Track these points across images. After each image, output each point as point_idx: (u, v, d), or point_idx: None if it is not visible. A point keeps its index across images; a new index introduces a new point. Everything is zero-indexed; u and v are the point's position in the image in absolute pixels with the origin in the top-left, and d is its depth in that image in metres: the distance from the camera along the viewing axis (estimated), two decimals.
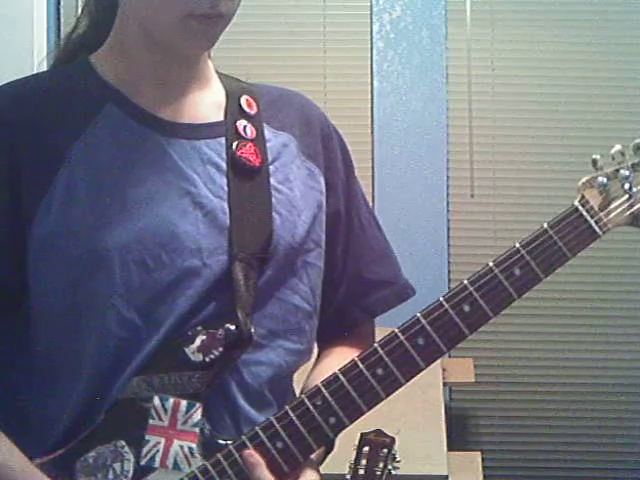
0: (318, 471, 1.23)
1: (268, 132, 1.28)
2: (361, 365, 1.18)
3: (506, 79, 3.29)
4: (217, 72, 1.32)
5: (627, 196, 1.20)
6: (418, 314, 1.18)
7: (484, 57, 3.27)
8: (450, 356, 3.22)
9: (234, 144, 1.24)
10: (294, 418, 1.17)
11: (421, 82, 3.27)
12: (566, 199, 1.24)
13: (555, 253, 1.19)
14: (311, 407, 1.17)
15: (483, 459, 2.67)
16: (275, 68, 3.24)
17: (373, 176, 3.27)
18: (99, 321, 1.16)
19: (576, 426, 3.33)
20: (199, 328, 1.17)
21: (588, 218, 1.19)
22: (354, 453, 2.04)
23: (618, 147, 1.21)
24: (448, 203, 3.29)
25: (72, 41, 1.31)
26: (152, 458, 1.16)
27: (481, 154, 3.26)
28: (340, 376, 1.18)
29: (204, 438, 1.17)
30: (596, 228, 1.19)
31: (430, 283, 3.06)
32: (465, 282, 1.18)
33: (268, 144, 1.27)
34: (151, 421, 1.16)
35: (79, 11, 1.32)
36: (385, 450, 2.04)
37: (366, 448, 2.04)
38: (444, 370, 2.86)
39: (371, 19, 3.27)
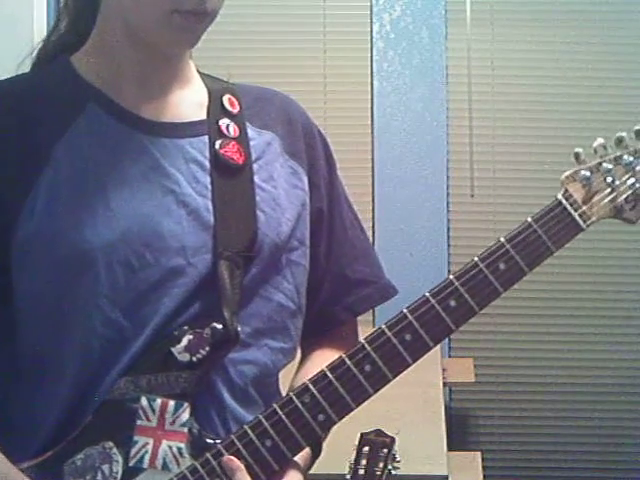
0: (303, 473, 1.22)
1: (251, 131, 1.28)
2: (349, 362, 1.17)
3: (506, 79, 3.29)
4: (198, 71, 1.31)
5: (609, 189, 1.21)
6: (404, 310, 1.18)
7: (484, 57, 3.28)
8: (450, 356, 3.23)
9: (217, 142, 1.24)
10: (283, 416, 1.16)
11: (421, 82, 3.27)
12: None
13: (540, 247, 1.19)
14: (299, 405, 1.17)
15: (483, 459, 2.66)
16: (275, 68, 3.24)
17: (373, 176, 3.27)
18: (84, 322, 1.15)
19: (576, 426, 3.33)
20: (185, 328, 1.16)
21: (572, 211, 1.20)
22: (354, 453, 2.04)
23: (600, 140, 1.22)
24: (448, 203, 3.29)
25: (52, 42, 1.30)
26: (141, 459, 1.15)
27: (481, 154, 3.27)
28: (328, 373, 1.17)
29: (193, 438, 1.16)
30: (580, 221, 1.20)
31: (430, 283, 3.06)
32: (451, 277, 1.19)
33: (251, 142, 1.27)
34: (139, 422, 1.15)
35: None
36: (385, 450, 2.04)
37: (366, 448, 2.04)
38: (444, 370, 2.86)
39: (371, 19, 3.27)
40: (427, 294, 1.19)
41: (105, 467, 1.14)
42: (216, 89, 1.30)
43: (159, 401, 1.15)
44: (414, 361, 1.18)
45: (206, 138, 1.24)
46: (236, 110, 1.29)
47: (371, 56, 3.27)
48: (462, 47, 3.25)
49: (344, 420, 1.20)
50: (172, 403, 1.16)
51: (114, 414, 1.15)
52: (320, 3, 3.28)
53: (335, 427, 1.21)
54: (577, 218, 1.20)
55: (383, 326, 1.18)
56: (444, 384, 2.85)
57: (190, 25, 1.17)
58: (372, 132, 3.27)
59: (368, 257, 1.39)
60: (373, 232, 3.26)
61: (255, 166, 1.26)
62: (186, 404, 1.16)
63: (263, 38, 3.26)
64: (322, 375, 1.18)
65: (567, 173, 1.22)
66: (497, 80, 3.29)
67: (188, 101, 1.26)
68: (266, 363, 1.24)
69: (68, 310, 1.16)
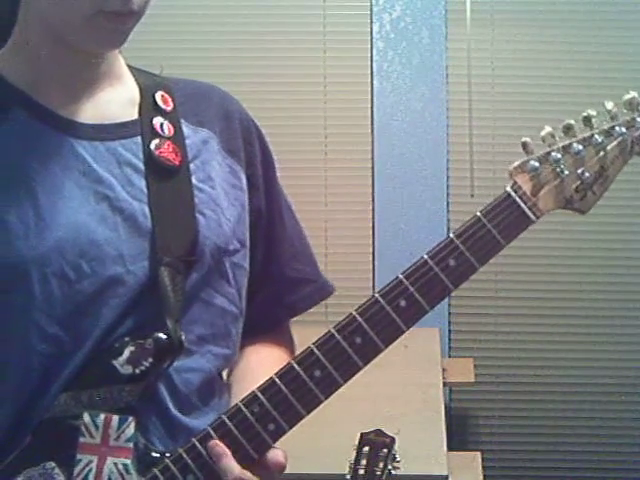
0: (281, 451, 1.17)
1: (186, 129, 1.23)
2: (298, 368, 1.13)
3: (506, 79, 3.29)
4: (130, 67, 1.25)
5: (559, 180, 1.17)
6: (353, 312, 1.14)
7: (484, 57, 3.27)
8: (450, 356, 3.23)
9: (152, 143, 1.18)
10: (232, 427, 1.12)
11: (421, 82, 3.27)
12: None
13: (490, 242, 1.15)
14: (249, 415, 1.12)
15: (483, 459, 2.66)
16: (275, 68, 3.24)
17: (373, 176, 3.27)
18: (20, 338, 1.10)
19: (576, 426, 3.33)
20: (127, 339, 1.12)
21: (521, 204, 1.16)
22: (354, 453, 2.04)
23: (548, 129, 1.18)
24: (448, 203, 3.29)
25: None
26: (85, 478, 1.10)
27: (481, 154, 3.27)
28: (277, 380, 1.13)
29: (139, 453, 1.12)
30: (529, 214, 1.16)
31: None
32: (400, 276, 1.14)
33: (187, 141, 1.22)
34: (82, 439, 1.10)
35: None
36: (385, 450, 2.04)
37: (366, 448, 2.04)
38: (444, 370, 2.86)
39: (371, 19, 3.26)
40: (376, 295, 1.14)
41: None
42: (148, 85, 1.24)
43: (102, 416, 1.11)
44: (365, 364, 1.14)
45: (139, 139, 1.19)
46: (170, 107, 1.23)
47: (371, 56, 3.27)
48: (462, 47, 3.25)
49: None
50: (116, 418, 1.11)
51: (55, 432, 1.10)
52: (320, 3, 3.28)
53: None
54: (527, 211, 1.16)
55: (332, 330, 1.14)
56: (444, 384, 2.85)
57: (115, 26, 1.11)
58: (372, 132, 3.27)
59: (307, 255, 1.36)
60: (373, 232, 3.26)
61: (192, 166, 1.21)
62: (131, 418, 1.11)
63: (263, 38, 3.26)
64: (271, 383, 1.13)
65: (515, 164, 1.19)
66: (497, 80, 3.29)
67: (119, 100, 1.20)
68: (210, 370, 1.20)
69: (2, 327, 1.10)
